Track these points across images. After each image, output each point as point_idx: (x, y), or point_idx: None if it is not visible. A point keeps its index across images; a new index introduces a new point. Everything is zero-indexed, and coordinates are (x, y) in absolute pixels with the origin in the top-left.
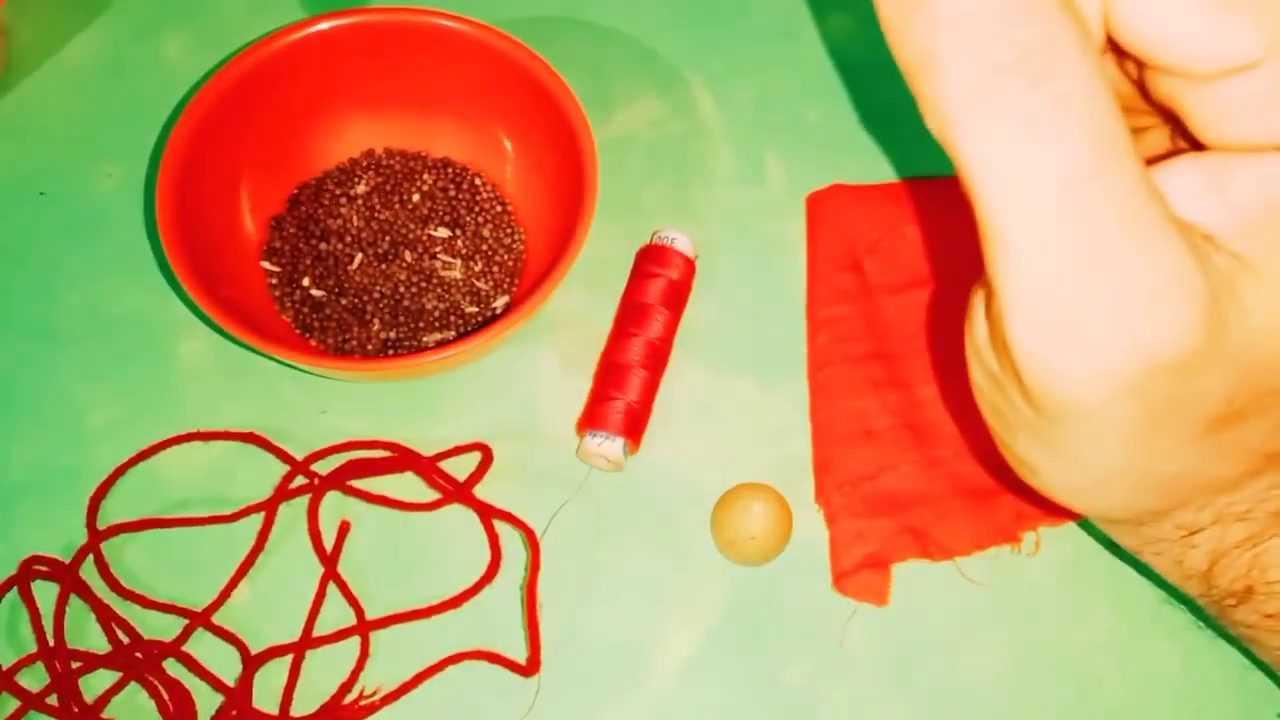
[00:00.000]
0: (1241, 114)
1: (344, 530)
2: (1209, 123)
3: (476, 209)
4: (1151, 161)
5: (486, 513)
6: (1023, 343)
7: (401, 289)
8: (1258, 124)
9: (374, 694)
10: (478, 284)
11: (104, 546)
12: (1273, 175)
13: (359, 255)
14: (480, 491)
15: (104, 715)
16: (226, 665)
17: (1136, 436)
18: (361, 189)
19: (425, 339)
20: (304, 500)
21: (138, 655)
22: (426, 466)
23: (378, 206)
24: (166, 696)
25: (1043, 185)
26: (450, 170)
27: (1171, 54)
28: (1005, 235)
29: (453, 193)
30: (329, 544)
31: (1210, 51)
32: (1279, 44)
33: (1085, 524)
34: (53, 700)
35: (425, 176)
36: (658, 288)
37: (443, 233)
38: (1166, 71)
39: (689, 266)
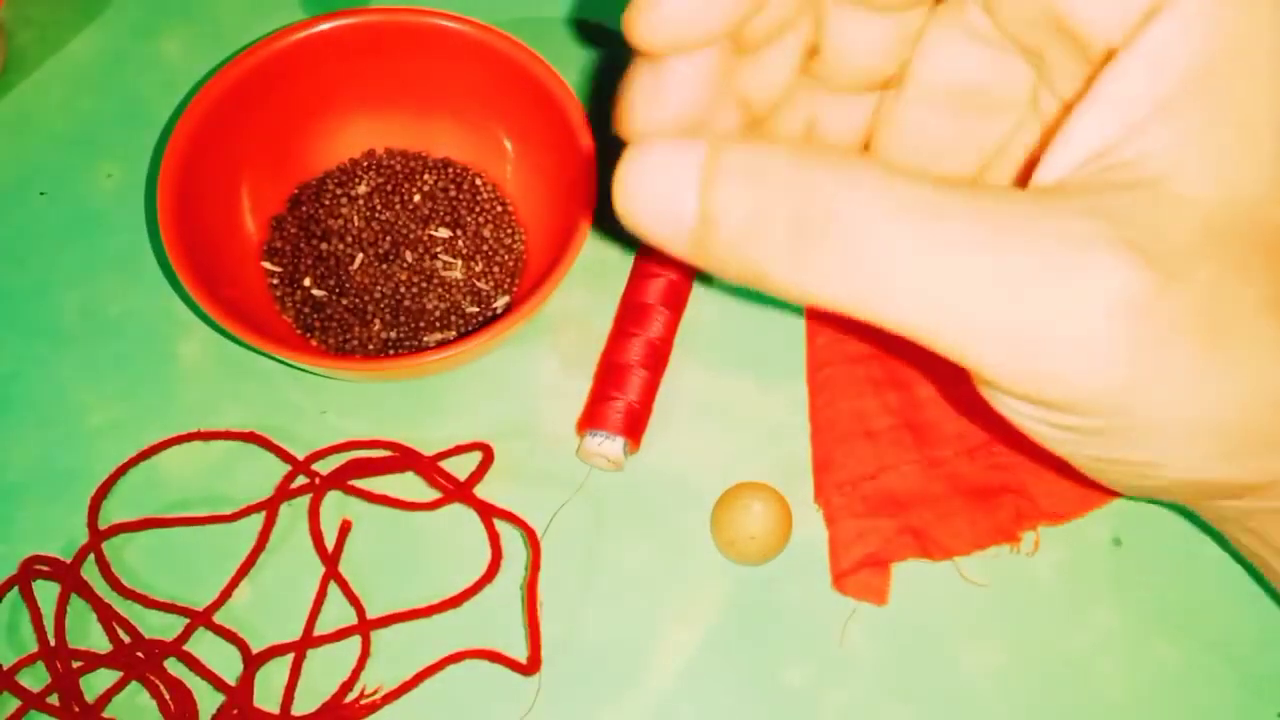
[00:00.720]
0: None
1: (345, 530)
2: (1079, 13)
3: (477, 209)
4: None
5: (487, 512)
6: (1017, 380)
7: (402, 289)
8: (1121, 4)
9: (375, 693)
10: (478, 284)
11: (105, 546)
12: (1152, 51)
13: (360, 255)
14: (481, 491)
15: (105, 715)
16: (227, 664)
17: (1187, 370)
18: (362, 189)
19: (426, 339)
20: (305, 500)
21: (139, 655)
22: (427, 466)
23: (378, 206)
24: (168, 696)
25: (919, 266)
26: (451, 170)
27: None
28: (937, 331)
29: (453, 193)
30: (330, 543)
31: None
32: None
33: (1111, 519)
34: (54, 700)
35: (426, 177)
36: (658, 288)
37: (443, 233)
38: None
39: (689, 266)
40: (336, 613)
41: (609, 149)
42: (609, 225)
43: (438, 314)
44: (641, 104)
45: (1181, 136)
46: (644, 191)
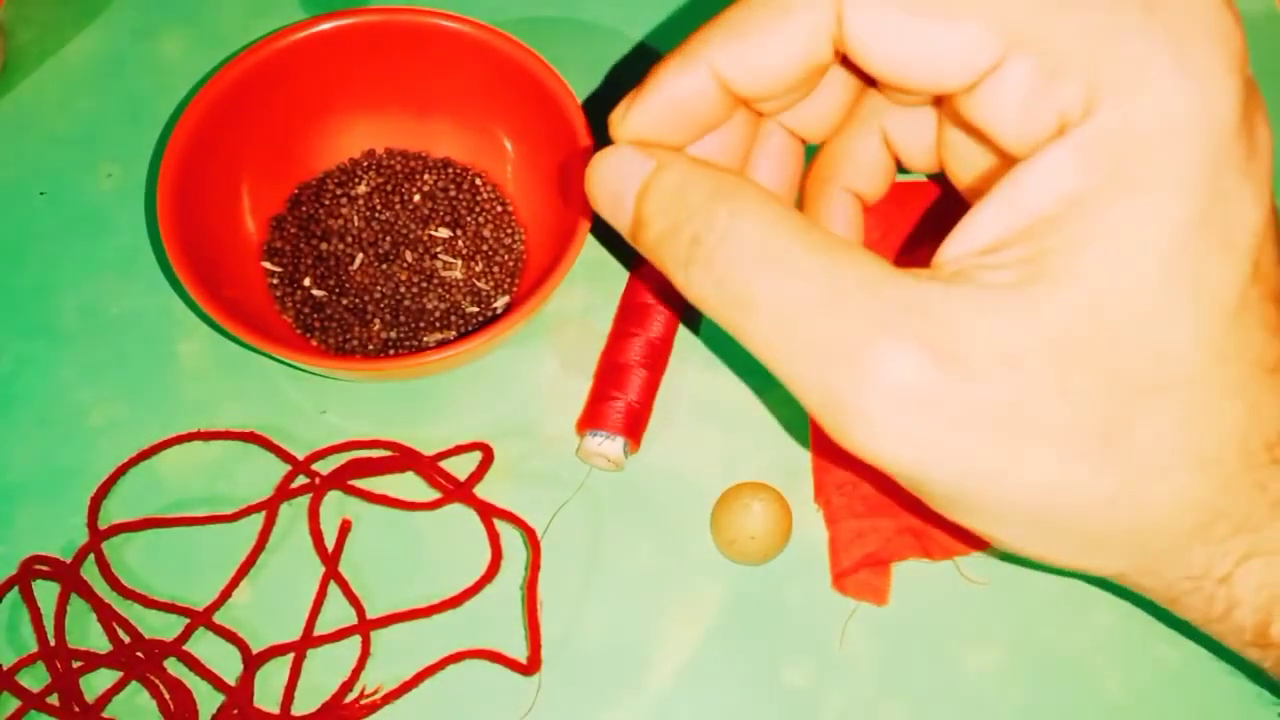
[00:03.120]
0: (1011, 112)
1: (345, 529)
2: (990, 127)
3: (477, 209)
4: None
5: (487, 512)
6: (832, 433)
7: (402, 289)
8: (1026, 120)
9: (375, 693)
10: (478, 284)
11: (105, 546)
12: (1048, 168)
13: (360, 255)
14: (481, 491)
15: (105, 715)
16: (227, 664)
17: (980, 458)
18: (362, 189)
19: (426, 339)
20: (305, 500)
21: (139, 655)
22: (427, 466)
23: (378, 206)
24: (168, 696)
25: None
26: (451, 170)
27: (913, 76)
28: (774, 368)
29: (453, 193)
30: (330, 543)
31: (946, 66)
32: (1015, 40)
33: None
34: (54, 700)
35: (426, 177)
36: (658, 288)
37: (443, 233)
38: (923, 91)
39: None
40: (336, 613)
41: None
42: (609, 225)
43: (438, 314)
44: (625, 113)
45: (1047, 253)
46: (600, 187)
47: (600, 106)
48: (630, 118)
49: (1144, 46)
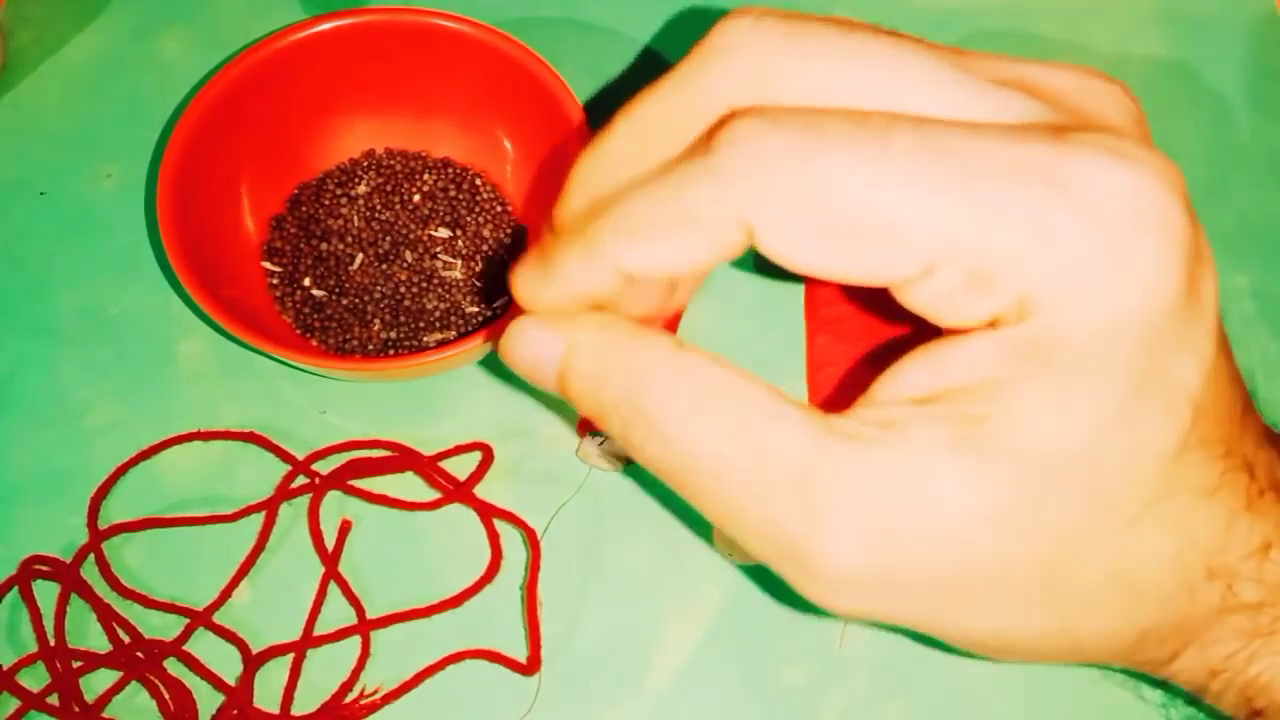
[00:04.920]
0: (941, 307)
1: (345, 530)
2: (919, 311)
3: (477, 209)
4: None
5: (487, 512)
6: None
7: (402, 289)
8: (957, 314)
9: (375, 693)
10: (478, 284)
11: (104, 546)
12: (979, 353)
13: (360, 255)
14: (481, 491)
15: (105, 715)
16: (227, 664)
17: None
18: (362, 189)
19: (426, 339)
20: (305, 500)
21: (139, 655)
22: (427, 466)
23: (378, 206)
24: (167, 696)
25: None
26: (451, 170)
27: (837, 279)
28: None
29: (453, 193)
30: (330, 543)
31: (871, 277)
32: (942, 256)
33: None
34: (53, 700)
35: (426, 177)
36: None
37: (443, 233)
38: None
39: None
40: (336, 613)
41: None
42: None
43: (438, 314)
44: (529, 287)
45: (979, 421)
46: (516, 364)
47: (600, 106)
48: (534, 295)
49: (1078, 251)
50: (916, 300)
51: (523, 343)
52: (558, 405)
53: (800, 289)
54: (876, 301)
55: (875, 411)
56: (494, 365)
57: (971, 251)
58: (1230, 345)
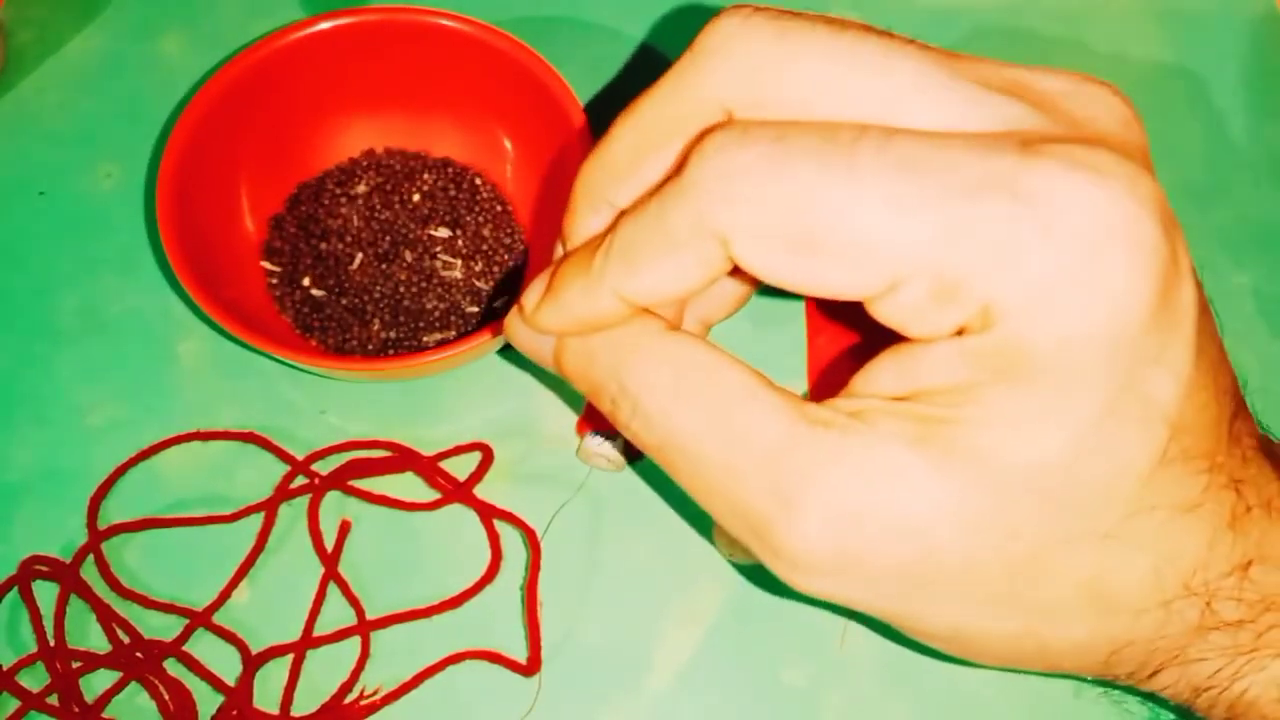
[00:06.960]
0: (908, 318)
1: (344, 530)
2: (886, 322)
3: (477, 209)
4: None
5: (487, 512)
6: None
7: (402, 289)
8: (924, 325)
9: (374, 693)
10: (478, 284)
11: (104, 546)
12: (942, 359)
13: (359, 255)
14: (480, 491)
15: (104, 715)
16: (227, 665)
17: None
18: (362, 189)
19: (425, 339)
20: (304, 500)
21: (138, 655)
22: (427, 466)
23: (378, 206)
24: (167, 696)
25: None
26: (450, 170)
27: (810, 292)
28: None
29: (453, 192)
30: (329, 544)
31: (839, 291)
32: (909, 271)
33: None
34: (53, 700)
35: (425, 176)
36: None
37: (443, 233)
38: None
39: None
40: (336, 613)
41: None
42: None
43: (438, 314)
44: (539, 317)
45: (947, 423)
46: (522, 338)
47: (601, 106)
48: (545, 324)
49: (1044, 264)
50: (884, 312)
51: (524, 330)
52: (561, 394)
53: None
54: None
55: (849, 403)
56: (494, 365)
57: (936, 266)
58: (1225, 354)
